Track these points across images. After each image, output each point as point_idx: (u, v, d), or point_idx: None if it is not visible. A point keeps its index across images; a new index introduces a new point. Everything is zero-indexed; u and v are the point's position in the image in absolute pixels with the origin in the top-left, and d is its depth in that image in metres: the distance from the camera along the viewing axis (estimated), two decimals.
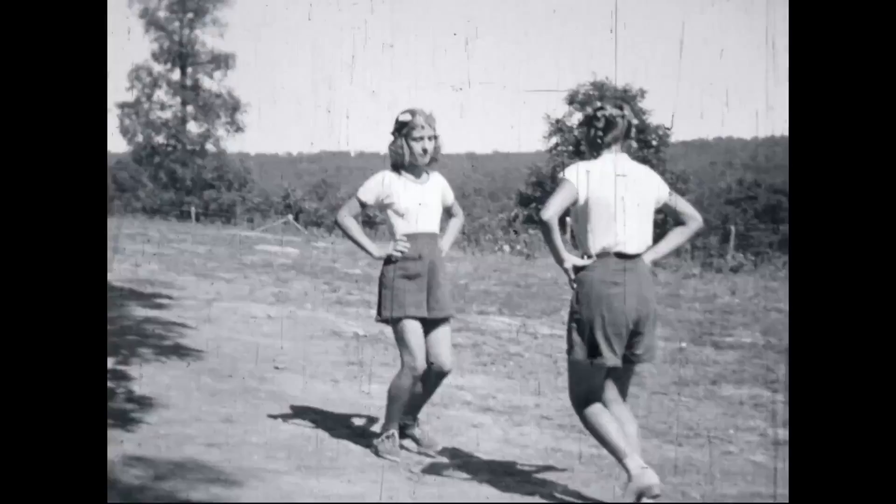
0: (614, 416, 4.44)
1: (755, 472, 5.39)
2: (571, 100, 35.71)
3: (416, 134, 5.16)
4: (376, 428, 5.70)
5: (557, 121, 36.46)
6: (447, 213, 5.45)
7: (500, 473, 5.04)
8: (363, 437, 5.53)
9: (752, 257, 24.14)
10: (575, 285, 4.41)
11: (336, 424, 5.76)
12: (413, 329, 5.11)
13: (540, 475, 5.06)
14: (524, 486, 4.81)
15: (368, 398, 6.52)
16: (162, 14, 45.71)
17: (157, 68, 45.97)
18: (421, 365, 5.11)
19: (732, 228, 27.83)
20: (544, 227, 4.35)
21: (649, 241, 4.46)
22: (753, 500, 4.86)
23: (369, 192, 5.18)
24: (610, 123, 4.44)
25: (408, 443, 5.37)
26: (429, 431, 5.48)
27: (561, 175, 4.43)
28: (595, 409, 4.41)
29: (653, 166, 35.98)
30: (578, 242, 4.46)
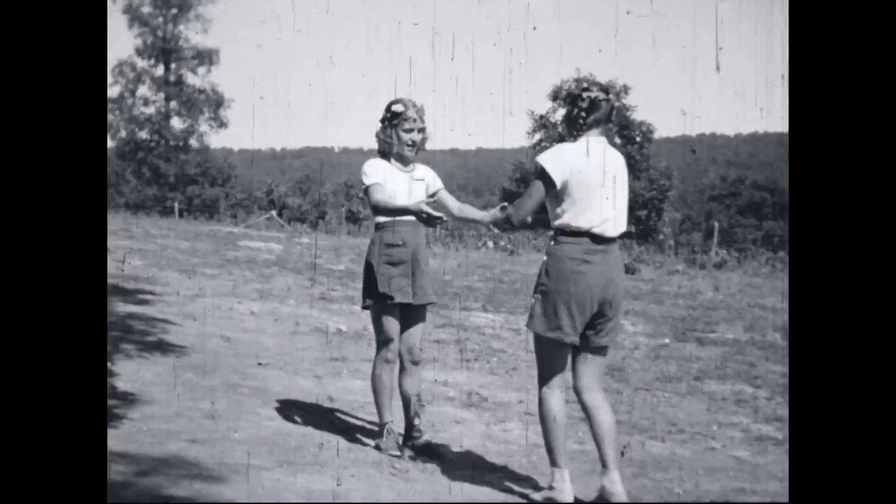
0: (588, 404, 4.42)
1: (738, 468, 5.41)
2: (555, 96, 35.64)
3: (406, 125, 5.18)
4: (359, 424, 5.70)
5: (541, 117, 36.38)
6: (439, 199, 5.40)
7: (483, 470, 5.04)
8: (346, 433, 5.52)
9: (735, 254, 24.23)
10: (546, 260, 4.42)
11: (319, 420, 5.74)
12: (391, 316, 5.16)
13: (523, 471, 5.06)
14: (507, 483, 4.81)
15: (351, 394, 6.52)
16: (146, 10, 45.65)
17: (141, 64, 45.94)
18: (394, 351, 5.18)
19: (716, 225, 27.92)
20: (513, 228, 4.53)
21: (624, 226, 4.46)
22: (736, 497, 4.87)
23: (376, 171, 5.17)
24: (593, 105, 4.41)
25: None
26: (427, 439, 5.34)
27: (536, 163, 4.42)
28: (552, 400, 4.39)
29: (637, 162, 35.75)
30: (552, 219, 4.43)
